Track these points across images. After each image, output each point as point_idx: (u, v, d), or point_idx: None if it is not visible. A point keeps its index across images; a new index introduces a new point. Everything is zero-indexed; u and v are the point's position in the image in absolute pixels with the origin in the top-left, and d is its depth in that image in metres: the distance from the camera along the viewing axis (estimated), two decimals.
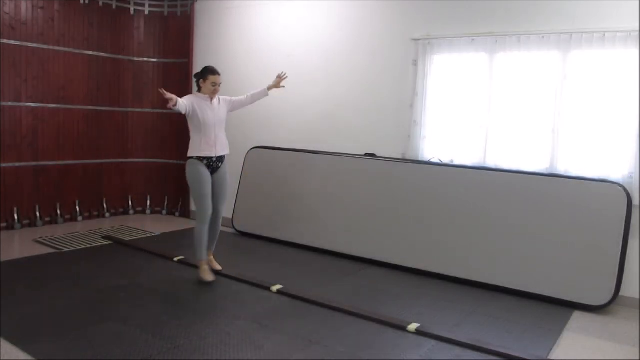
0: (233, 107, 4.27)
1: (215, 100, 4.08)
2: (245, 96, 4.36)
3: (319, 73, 5.41)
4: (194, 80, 4.13)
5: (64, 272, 4.19)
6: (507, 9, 4.31)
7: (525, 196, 4.10)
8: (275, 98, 5.68)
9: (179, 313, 3.43)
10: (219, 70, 4.06)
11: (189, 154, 4.04)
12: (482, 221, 4.26)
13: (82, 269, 4.28)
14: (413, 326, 3.30)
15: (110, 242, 5.20)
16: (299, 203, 5.30)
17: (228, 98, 4.23)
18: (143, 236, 5.51)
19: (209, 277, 4.08)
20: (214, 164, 4.07)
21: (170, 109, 3.77)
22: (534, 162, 4.24)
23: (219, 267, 4.29)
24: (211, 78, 3.99)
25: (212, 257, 4.33)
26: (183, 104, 3.82)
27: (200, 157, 4.00)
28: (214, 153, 4.03)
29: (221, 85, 4.07)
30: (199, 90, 4.06)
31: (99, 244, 5.12)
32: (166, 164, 6.68)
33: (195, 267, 4.42)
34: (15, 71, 5.44)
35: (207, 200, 4.02)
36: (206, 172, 4.02)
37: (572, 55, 4.04)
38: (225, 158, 4.17)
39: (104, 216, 6.36)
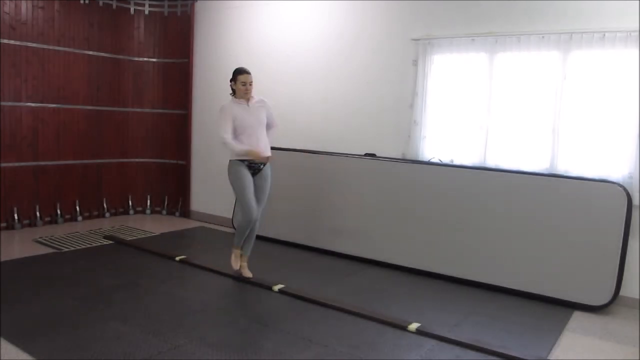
0: (268, 114, 4.13)
1: (253, 102, 4.03)
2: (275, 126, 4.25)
3: (319, 73, 5.41)
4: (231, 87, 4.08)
5: (64, 272, 4.19)
6: (507, 9, 4.31)
7: (525, 196, 4.10)
8: (275, 98, 5.70)
9: (179, 313, 3.43)
10: (249, 70, 4.03)
11: (232, 156, 4.02)
12: (482, 221, 4.26)
13: (82, 269, 4.28)
14: (413, 326, 3.30)
15: (111, 242, 5.21)
16: (299, 203, 5.30)
17: (268, 103, 4.14)
18: (143, 236, 5.51)
19: (235, 265, 4.17)
20: (255, 166, 4.04)
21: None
22: (534, 162, 4.24)
23: (249, 275, 4.15)
24: (240, 78, 3.95)
25: (245, 263, 4.21)
26: (224, 128, 3.88)
27: (242, 159, 3.98)
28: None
29: (252, 84, 3.99)
30: (234, 94, 4.04)
31: (99, 243, 5.12)
32: (166, 164, 6.68)
33: (196, 266, 4.44)
34: (15, 71, 5.44)
35: (250, 201, 4.00)
36: (247, 173, 4.00)
37: (572, 55, 4.04)
38: (269, 160, 4.07)
39: (104, 216, 6.36)
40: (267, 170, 4.12)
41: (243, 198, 4.00)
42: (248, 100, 4.01)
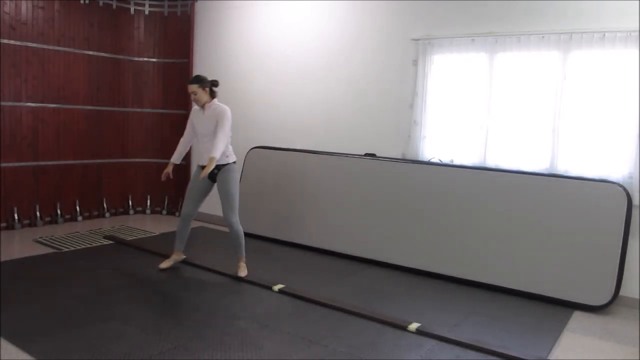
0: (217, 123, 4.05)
1: (208, 111, 4.10)
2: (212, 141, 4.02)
3: (319, 73, 5.41)
4: None
5: (64, 272, 4.19)
6: (507, 9, 4.31)
7: (525, 196, 4.10)
8: (275, 97, 5.71)
9: (179, 313, 3.43)
10: (196, 78, 4.08)
11: None
12: (482, 221, 4.26)
13: (82, 269, 4.28)
14: (413, 326, 3.30)
15: (111, 242, 5.20)
16: (299, 203, 5.30)
17: (221, 115, 4.01)
18: (143, 236, 5.51)
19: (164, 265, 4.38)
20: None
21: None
22: (534, 162, 4.24)
23: (242, 274, 4.21)
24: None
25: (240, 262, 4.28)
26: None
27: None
28: (201, 162, 4.18)
29: (196, 94, 4.02)
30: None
31: (99, 243, 5.12)
32: (166, 164, 6.63)
33: (196, 266, 4.44)
34: (15, 71, 5.44)
35: (185, 201, 4.30)
36: (196, 176, 4.19)
37: (572, 55, 4.04)
38: (224, 167, 4.10)
39: (104, 216, 6.36)
40: (222, 175, 4.13)
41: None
42: (203, 109, 4.13)
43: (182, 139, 4.44)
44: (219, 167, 4.11)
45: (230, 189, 4.12)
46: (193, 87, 4.04)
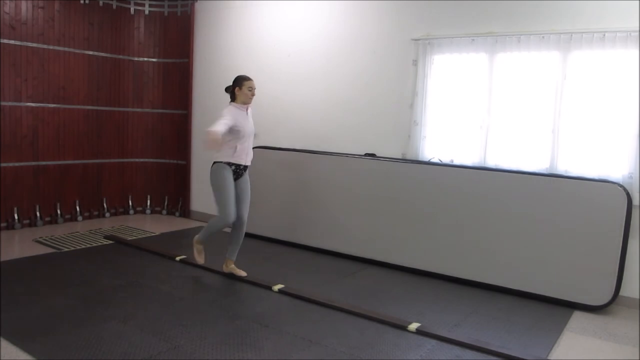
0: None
1: (249, 110, 4.10)
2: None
3: (319, 73, 5.40)
4: (228, 92, 4.11)
5: (64, 272, 4.19)
6: (507, 9, 4.31)
7: (525, 196, 4.10)
8: (275, 98, 5.71)
9: (179, 313, 3.43)
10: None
11: (219, 159, 4.01)
12: (482, 221, 4.26)
13: (82, 269, 4.28)
14: (413, 326, 3.30)
15: (111, 241, 5.21)
16: (299, 203, 5.29)
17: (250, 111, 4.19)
18: (143, 236, 5.51)
19: (199, 259, 4.31)
20: (240, 171, 4.09)
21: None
22: (534, 162, 4.24)
23: (243, 274, 4.21)
24: (247, 84, 4.01)
25: (232, 264, 4.25)
26: (227, 125, 3.81)
27: (230, 162, 4.01)
28: (243, 161, 4.08)
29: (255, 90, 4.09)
30: (234, 99, 4.05)
31: (99, 243, 5.12)
32: (166, 164, 6.68)
33: (196, 266, 4.44)
34: (15, 71, 5.44)
35: (232, 205, 4.00)
36: (230, 177, 4.02)
37: (572, 55, 4.04)
38: (247, 168, 4.18)
39: (104, 216, 6.36)
40: (247, 175, 4.19)
41: (226, 201, 3.99)
42: (247, 108, 4.08)
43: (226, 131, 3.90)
44: (246, 167, 4.13)
45: (249, 190, 4.20)
46: (255, 84, 4.08)
